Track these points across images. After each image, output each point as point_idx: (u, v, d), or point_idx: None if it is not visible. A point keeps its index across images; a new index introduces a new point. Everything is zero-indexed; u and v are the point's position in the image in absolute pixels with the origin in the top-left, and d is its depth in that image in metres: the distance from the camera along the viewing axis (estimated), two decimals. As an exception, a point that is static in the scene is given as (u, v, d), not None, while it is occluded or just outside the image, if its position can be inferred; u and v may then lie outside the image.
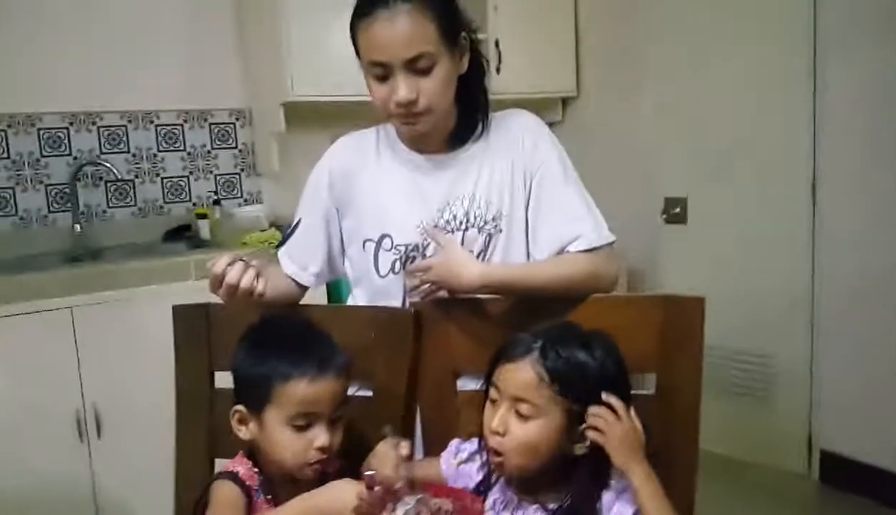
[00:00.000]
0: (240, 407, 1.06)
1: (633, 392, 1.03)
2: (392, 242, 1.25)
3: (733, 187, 2.64)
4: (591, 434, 0.97)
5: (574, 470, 1.00)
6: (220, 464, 1.16)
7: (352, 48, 1.18)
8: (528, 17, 3.11)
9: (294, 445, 1.02)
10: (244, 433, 1.06)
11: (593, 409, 0.97)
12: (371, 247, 1.26)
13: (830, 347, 2.51)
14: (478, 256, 1.24)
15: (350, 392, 1.14)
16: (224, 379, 1.17)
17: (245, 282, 1.09)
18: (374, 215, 1.26)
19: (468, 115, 1.26)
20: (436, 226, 1.23)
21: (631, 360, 1.05)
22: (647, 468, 0.97)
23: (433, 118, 1.18)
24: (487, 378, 1.03)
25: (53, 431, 2.07)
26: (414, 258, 1.24)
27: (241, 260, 1.11)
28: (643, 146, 2.99)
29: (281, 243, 1.29)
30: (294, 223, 1.27)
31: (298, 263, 1.32)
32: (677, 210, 2.76)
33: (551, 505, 1.00)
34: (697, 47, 2.65)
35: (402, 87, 1.12)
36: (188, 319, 1.29)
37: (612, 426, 0.96)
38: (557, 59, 3.24)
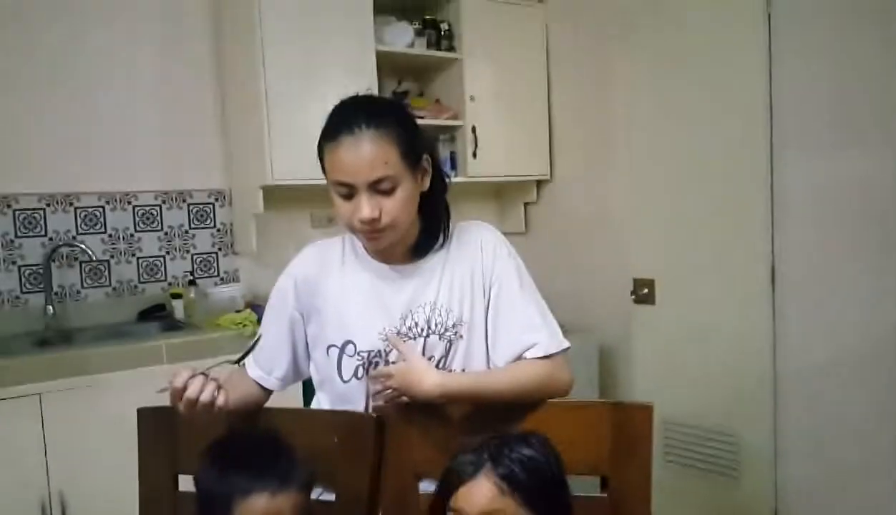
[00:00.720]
0: (202, 525, 1.07)
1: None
2: (355, 348, 1.29)
3: (697, 271, 2.72)
4: None
5: None
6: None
7: None
8: (503, 105, 3.24)
9: None
10: (205, 550, 1.07)
11: None
12: (335, 352, 1.30)
13: (793, 427, 2.55)
14: (439, 361, 1.29)
15: (313, 496, 1.16)
16: (189, 482, 1.18)
17: (205, 397, 1.11)
18: (338, 322, 1.31)
19: (430, 228, 1.32)
20: (398, 333, 1.28)
21: (583, 464, 1.12)
22: None
23: (395, 234, 1.24)
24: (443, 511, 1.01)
25: (17, 521, 2.04)
26: (377, 364, 1.29)
27: (202, 373, 1.14)
28: (613, 228, 3.09)
29: (245, 354, 1.31)
30: (258, 336, 1.32)
31: (264, 368, 1.35)
32: (645, 291, 2.83)
33: None
34: (663, 136, 2.76)
35: (366, 207, 1.18)
36: (153, 423, 1.31)
37: None
38: (531, 144, 3.35)
